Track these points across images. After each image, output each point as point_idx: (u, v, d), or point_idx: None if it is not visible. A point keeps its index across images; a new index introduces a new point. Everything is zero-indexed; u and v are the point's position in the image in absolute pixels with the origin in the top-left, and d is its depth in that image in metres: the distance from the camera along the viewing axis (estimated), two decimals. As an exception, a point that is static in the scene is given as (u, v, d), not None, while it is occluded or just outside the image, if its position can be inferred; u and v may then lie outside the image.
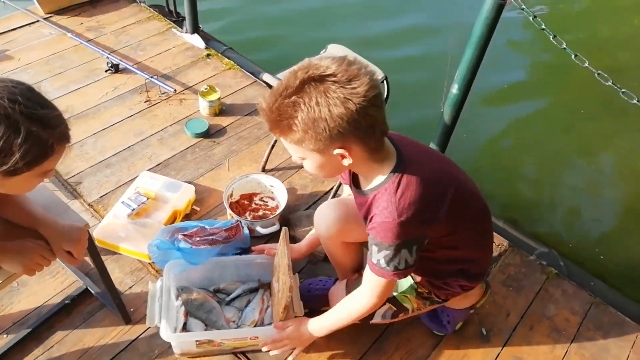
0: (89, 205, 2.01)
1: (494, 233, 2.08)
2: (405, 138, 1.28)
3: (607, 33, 4.00)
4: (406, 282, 1.48)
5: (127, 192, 1.98)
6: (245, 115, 2.50)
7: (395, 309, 1.51)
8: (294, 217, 1.99)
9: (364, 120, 1.07)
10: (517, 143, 3.07)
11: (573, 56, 1.69)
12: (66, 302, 1.67)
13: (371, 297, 1.33)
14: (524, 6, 1.62)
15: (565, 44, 1.69)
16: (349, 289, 1.50)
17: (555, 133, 3.13)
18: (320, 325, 1.47)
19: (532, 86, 3.47)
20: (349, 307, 1.40)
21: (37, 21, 2.89)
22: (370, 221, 1.23)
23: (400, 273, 1.24)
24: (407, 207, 1.15)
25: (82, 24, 2.94)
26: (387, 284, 1.29)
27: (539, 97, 3.39)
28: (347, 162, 1.14)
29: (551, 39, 1.68)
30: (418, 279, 1.48)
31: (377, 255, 1.23)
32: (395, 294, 1.48)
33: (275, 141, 2.18)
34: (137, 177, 2.06)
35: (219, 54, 2.85)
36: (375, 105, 1.07)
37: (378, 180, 1.21)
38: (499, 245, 2.04)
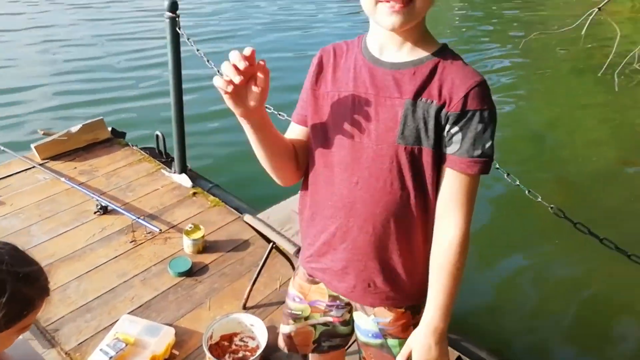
0: (65, 354, 1.98)
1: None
2: None
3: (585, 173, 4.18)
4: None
5: (106, 338, 1.96)
6: (229, 251, 2.56)
7: None
8: (274, 358, 1.96)
9: None
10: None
11: (551, 210, 1.76)
12: None
13: (466, 216, 1.00)
14: (498, 166, 1.72)
15: (540, 197, 1.76)
16: None
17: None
18: (438, 312, 1.05)
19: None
20: (445, 258, 1.01)
21: (33, 167, 3.06)
22: (440, 91, 0.98)
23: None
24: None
25: (75, 168, 3.11)
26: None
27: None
28: None
29: (526, 193, 1.77)
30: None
31: (483, 140, 0.97)
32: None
33: (257, 277, 2.22)
34: (117, 320, 2.05)
35: (205, 192, 3.00)
36: None
37: (430, 49, 1.02)
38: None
